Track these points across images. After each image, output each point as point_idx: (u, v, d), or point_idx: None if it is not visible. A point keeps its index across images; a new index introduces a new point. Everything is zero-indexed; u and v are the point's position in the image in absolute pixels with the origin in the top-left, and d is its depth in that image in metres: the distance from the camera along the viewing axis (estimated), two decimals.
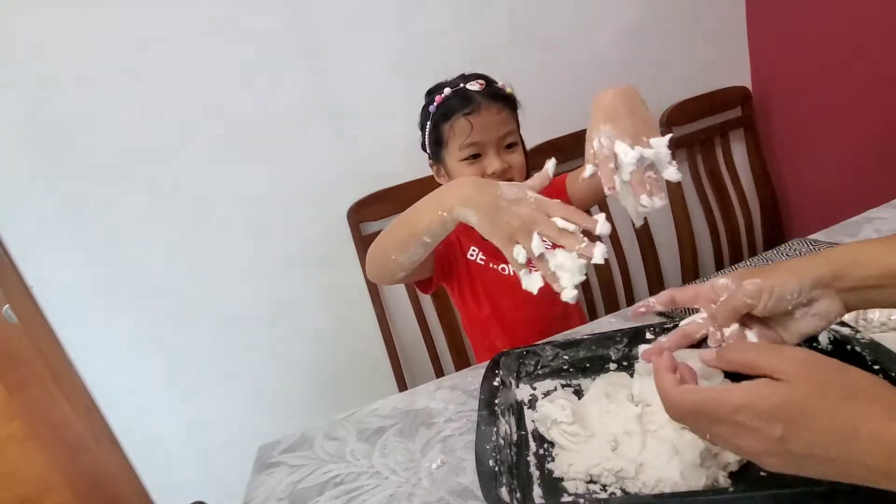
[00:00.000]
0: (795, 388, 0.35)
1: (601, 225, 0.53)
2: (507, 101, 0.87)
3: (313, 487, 0.64)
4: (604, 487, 0.53)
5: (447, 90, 0.87)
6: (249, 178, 1.23)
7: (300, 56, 1.21)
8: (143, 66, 1.11)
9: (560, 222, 0.54)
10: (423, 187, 1.30)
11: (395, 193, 1.31)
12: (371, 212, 1.30)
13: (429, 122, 0.90)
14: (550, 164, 0.59)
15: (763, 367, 0.38)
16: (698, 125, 1.57)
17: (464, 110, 0.84)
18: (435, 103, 0.87)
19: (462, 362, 1.36)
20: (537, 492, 0.54)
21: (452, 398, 0.75)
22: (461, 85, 0.86)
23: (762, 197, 1.66)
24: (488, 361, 0.69)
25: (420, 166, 1.27)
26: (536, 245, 0.54)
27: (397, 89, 1.28)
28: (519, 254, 0.55)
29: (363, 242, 1.30)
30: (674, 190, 1.55)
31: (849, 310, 0.48)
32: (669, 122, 1.52)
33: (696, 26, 1.54)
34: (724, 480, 0.50)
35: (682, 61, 1.55)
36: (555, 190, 0.96)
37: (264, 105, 1.21)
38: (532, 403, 0.66)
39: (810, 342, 0.63)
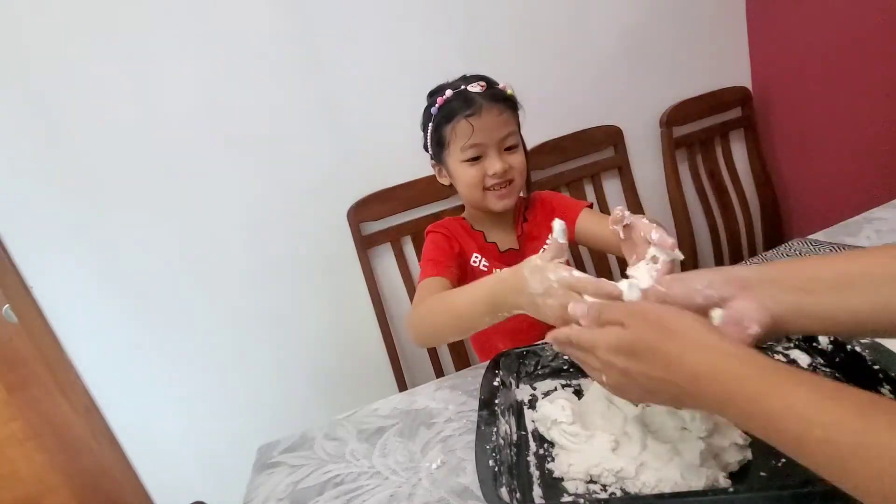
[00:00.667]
0: (630, 331, 0.44)
1: (627, 292, 0.53)
2: (509, 103, 0.88)
3: (313, 487, 0.64)
4: (604, 487, 0.53)
5: (448, 92, 0.87)
6: (249, 178, 1.23)
7: (300, 56, 1.21)
8: (142, 67, 1.11)
9: (589, 298, 0.54)
10: (423, 187, 1.31)
11: (395, 193, 1.31)
12: (371, 212, 1.30)
13: (430, 124, 0.90)
14: (558, 228, 0.59)
15: (615, 318, 0.46)
16: (698, 125, 1.57)
17: (465, 112, 0.84)
18: (436, 105, 0.88)
19: (462, 362, 1.36)
20: (537, 492, 0.54)
21: (452, 398, 0.75)
22: (462, 87, 0.86)
23: (762, 197, 1.67)
24: (488, 361, 0.69)
25: (420, 166, 1.27)
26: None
27: (397, 89, 1.28)
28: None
29: (363, 242, 1.30)
30: (674, 189, 1.55)
31: (775, 320, 0.44)
32: (669, 121, 1.52)
33: (696, 26, 1.54)
34: (723, 481, 0.50)
35: (682, 61, 1.55)
36: (565, 214, 0.96)
37: (264, 105, 1.21)
38: (532, 403, 0.66)
39: (810, 341, 0.63)
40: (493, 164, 0.86)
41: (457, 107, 0.85)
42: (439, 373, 1.36)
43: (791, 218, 1.71)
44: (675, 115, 1.53)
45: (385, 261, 1.35)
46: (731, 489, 0.49)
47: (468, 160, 0.87)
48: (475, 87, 0.85)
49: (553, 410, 0.60)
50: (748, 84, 1.64)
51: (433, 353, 1.37)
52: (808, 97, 1.53)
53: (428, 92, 0.93)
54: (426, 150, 0.96)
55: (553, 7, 1.38)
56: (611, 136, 1.49)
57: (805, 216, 1.68)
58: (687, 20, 1.53)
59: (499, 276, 0.64)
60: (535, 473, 0.56)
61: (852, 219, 1.00)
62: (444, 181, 0.95)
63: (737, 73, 1.63)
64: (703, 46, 1.57)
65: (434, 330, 0.76)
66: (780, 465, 0.51)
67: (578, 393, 0.67)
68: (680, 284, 0.49)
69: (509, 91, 0.89)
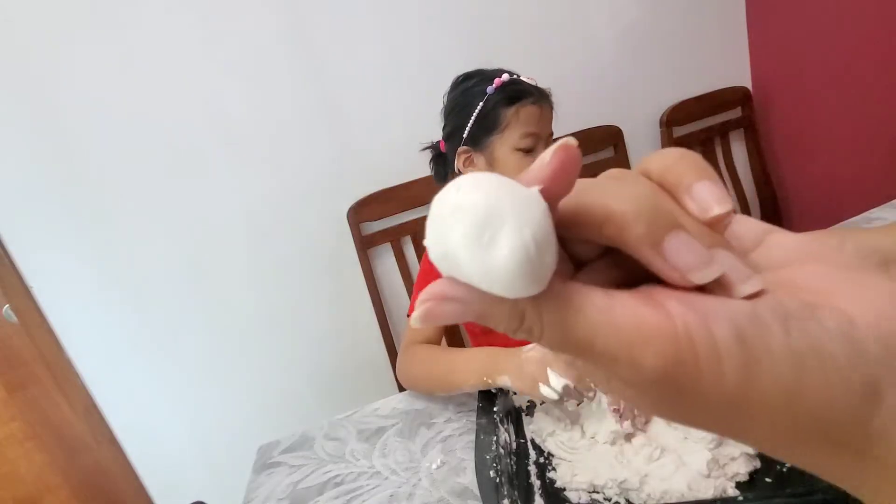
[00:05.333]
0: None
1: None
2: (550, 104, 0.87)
3: (313, 487, 0.64)
4: (607, 500, 0.51)
5: (505, 76, 0.83)
6: (249, 178, 1.23)
7: (299, 56, 1.21)
8: (143, 67, 1.11)
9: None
10: (423, 187, 1.31)
11: (395, 193, 1.31)
12: (371, 212, 1.30)
13: (481, 104, 0.82)
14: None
15: None
16: (698, 125, 1.57)
17: (531, 98, 0.81)
18: (494, 85, 0.82)
19: None
20: (539, 502, 0.53)
21: (452, 398, 0.75)
22: (515, 75, 0.83)
23: (762, 197, 1.67)
24: None
25: (420, 166, 1.27)
26: (555, 381, 0.56)
27: (397, 89, 1.28)
28: (547, 392, 0.57)
29: (363, 242, 1.30)
30: None
31: None
32: (669, 121, 1.52)
33: (696, 26, 1.54)
34: (732, 491, 0.49)
35: (682, 61, 1.55)
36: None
37: (264, 106, 1.21)
38: (530, 409, 0.66)
39: None
40: None
41: (522, 91, 0.81)
42: None
43: (791, 218, 1.71)
44: (675, 115, 1.53)
45: (385, 261, 1.35)
46: (740, 497, 0.47)
47: (522, 150, 0.82)
48: (530, 80, 0.83)
49: (548, 423, 0.59)
50: (748, 84, 1.64)
51: None
52: (808, 97, 1.52)
53: (460, 76, 0.87)
54: (454, 135, 0.87)
55: (553, 7, 1.38)
56: (611, 136, 1.49)
57: (805, 216, 1.68)
58: (687, 20, 1.53)
59: (492, 350, 0.66)
60: (537, 483, 0.55)
61: (852, 219, 1.00)
62: (471, 170, 0.87)
63: (737, 73, 1.63)
64: (703, 46, 1.57)
65: (424, 390, 0.77)
66: (784, 470, 0.50)
67: None
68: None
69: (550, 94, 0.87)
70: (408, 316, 0.86)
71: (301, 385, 1.37)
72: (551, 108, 0.84)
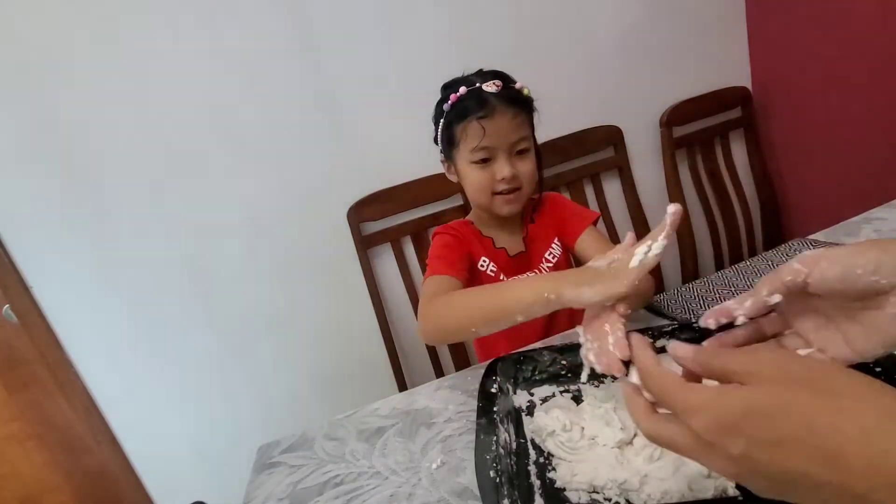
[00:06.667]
0: (755, 390, 0.29)
1: None
2: (524, 105, 0.84)
3: (313, 487, 0.64)
4: (607, 500, 0.51)
5: (462, 89, 0.83)
6: (249, 178, 1.23)
7: (300, 56, 1.21)
8: (142, 67, 1.12)
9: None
10: (424, 187, 1.31)
11: (395, 193, 1.31)
12: (371, 212, 1.30)
13: (442, 120, 0.87)
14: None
15: (737, 370, 0.31)
16: (698, 125, 1.57)
17: (478, 113, 0.81)
18: (449, 102, 0.84)
19: (462, 362, 1.36)
20: (539, 502, 0.53)
21: (452, 398, 0.75)
22: (477, 84, 0.83)
23: (762, 197, 1.67)
24: (485, 366, 0.69)
25: (420, 166, 1.28)
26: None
27: (397, 89, 1.28)
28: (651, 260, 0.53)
29: (363, 242, 1.30)
30: (674, 190, 1.55)
31: None
32: (669, 121, 1.52)
33: (696, 26, 1.54)
34: (732, 491, 0.49)
35: (682, 61, 1.55)
36: (571, 224, 0.94)
37: (264, 106, 1.21)
38: (530, 410, 0.65)
39: None
40: (502, 169, 0.83)
41: (469, 106, 0.82)
42: (439, 373, 1.36)
43: (791, 218, 1.71)
44: (675, 115, 1.53)
45: (385, 261, 1.35)
46: (740, 497, 0.47)
47: (477, 162, 0.84)
48: (490, 87, 0.82)
49: (548, 422, 0.59)
50: (748, 84, 1.64)
51: (433, 353, 1.37)
52: (808, 97, 1.52)
53: (442, 84, 0.90)
54: (436, 143, 0.93)
55: (553, 7, 1.38)
56: (611, 136, 1.49)
57: (805, 216, 1.68)
58: (687, 20, 1.53)
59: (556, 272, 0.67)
60: (537, 483, 0.55)
61: (852, 219, 1.00)
62: (453, 178, 0.93)
63: (737, 73, 1.63)
64: (703, 46, 1.57)
65: (456, 326, 0.73)
66: None
67: (577, 399, 0.65)
68: (831, 264, 0.35)
69: (526, 91, 0.85)
70: (424, 278, 0.85)
71: (301, 385, 1.37)
72: (515, 115, 0.82)
